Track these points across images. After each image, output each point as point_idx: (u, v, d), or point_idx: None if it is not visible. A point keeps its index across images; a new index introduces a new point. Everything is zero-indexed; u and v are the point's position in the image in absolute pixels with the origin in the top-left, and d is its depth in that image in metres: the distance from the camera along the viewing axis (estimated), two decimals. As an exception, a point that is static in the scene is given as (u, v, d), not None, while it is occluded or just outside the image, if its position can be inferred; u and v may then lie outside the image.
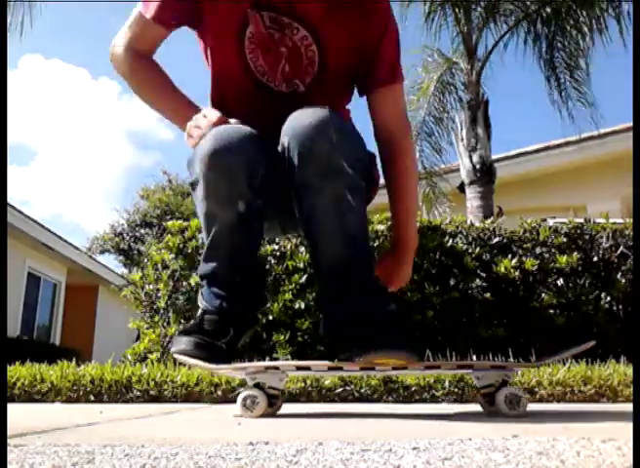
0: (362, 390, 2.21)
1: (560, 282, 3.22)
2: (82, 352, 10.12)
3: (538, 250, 3.32)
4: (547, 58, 6.76)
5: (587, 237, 3.39)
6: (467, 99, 6.79)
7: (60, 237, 11.72)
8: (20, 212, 10.11)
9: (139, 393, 2.26)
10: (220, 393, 2.23)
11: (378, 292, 1.41)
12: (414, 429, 1.11)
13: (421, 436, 0.86)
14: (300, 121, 1.30)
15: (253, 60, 1.50)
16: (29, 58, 40.26)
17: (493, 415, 1.31)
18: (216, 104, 1.56)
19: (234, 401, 1.38)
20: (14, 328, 10.30)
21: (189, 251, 3.31)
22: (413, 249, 1.66)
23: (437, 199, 8.10)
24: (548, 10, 6.55)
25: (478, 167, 6.42)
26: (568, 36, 6.62)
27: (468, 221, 3.54)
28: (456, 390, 2.17)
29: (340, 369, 1.38)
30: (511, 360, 2.60)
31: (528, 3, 6.68)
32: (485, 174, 6.41)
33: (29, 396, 2.29)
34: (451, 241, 3.28)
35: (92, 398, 2.26)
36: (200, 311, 1.44)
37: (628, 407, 1.73)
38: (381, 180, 1.61)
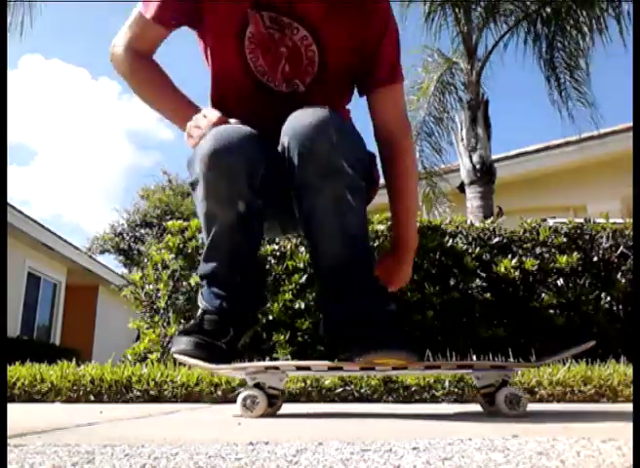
0: (362, 390, 2.21)
1: (560, 282, 3.22)
2: (82, 352, 10.13)
3: (538, 250, 3.32)
4: (547, 58, 6.77)
5: (587, 237, 3.39)
6: (467, 99, 6.80)
7: (60, 237, 11.72)
8: (20, 212, 10.12)
9: (139, 393, 2.26)
10: (219, 393, 2.23)
11: (378, 292, 1.41)
12: (414, 429, 1.11)
13: (421, 436, 0.86)
14: (299, 121, 1.30)
15: (253, 60, 1.50)
16: (29, 58, 40.31)
17: (493, 415, 1.31)
18: (216, 104, 1.56)
19: (234, 401, 1.38)
20: (14, 328, 10.30)
21: (189, 251, 3.31)
22: (413, 249, 1.66)
23: (437, 199, 8.10)
24: (548, 10, 6.56)
25: (478, 167, 6.43)
26: (568, 36, 6.62)
27: (468, 221, 3.54)
28: (456, 390, 2.17)
29: (341, 369, 1.38)
30: (511, 360, 2.60)
31: (528, 3, 6.68)
32: (485, 174, 6.41)
33: (29, 396, 2.29)
34: (451, 241, 3.28)
35: (92, 398, 2.26)
36: (200, 311, 1.44)
37: (628, 407, 1.73)
38: (381, 180, 1.61)
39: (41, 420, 1.37)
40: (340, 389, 2.21)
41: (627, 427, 0.86)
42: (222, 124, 1.35)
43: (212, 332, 1.38)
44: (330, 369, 1.37)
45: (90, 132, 39.80)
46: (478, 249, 3.26)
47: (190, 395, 2.24)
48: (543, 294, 3.17)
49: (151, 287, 3.36)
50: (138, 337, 3.49)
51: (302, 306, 3.03)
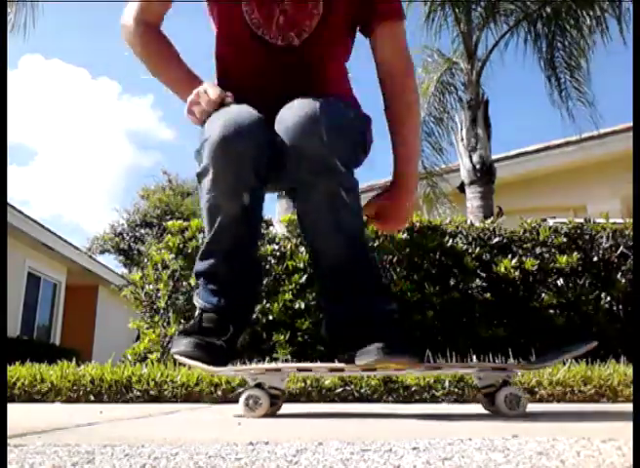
0: (362, 390, 2.21)
1: (560, 282, 3.22)
2: (82, 352, 10.13)
3: (538, 250, 3.32)
4: (548, 58, 6.77)
5: (587, 237, 3.39)
6: (467, 99, 6.80)
7: (60, 237, 11.72)
8: (20, 212, 10.12)
9: (139, 393, 2.26)
10: (219, 393, 2.23)
11: (378, 292, 1.41)
12: (414, 429, 1.11)
13: (421, 436, 0.86)
14: (292, 117, 1.30)
15: (248, 13, 1.50)
16: (29, 58, 40.27)
17: (493, 415, 1.31)
18: (219, 60, 1.58)
19: (234, 401, 1.38)
20: (14, 328, 10.30)
21: (189, 251, 3.31)
22: (411, 187, 1.60)
23: (438, 199, 8.11)
24: (548, 10, 6.56)
25: (478, 167, 6.43)
26: (568, 36, 6.62)
27: (468, 221, 3.54)
28: (456, 390, 2.17)
29: (342, 370, 1.38)
30: (511, 360, 2.60)
31: (528, 3, 6.68)
32: (485, 174, 6.41)
33: (29, 396, 2.28)
34: (451, 241, 3.28)
35: (92, 398, 2.26)
36: (198, 311, 1.44)
37: (628, 407, 1.73)
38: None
39: (41, 420, 1.37)
40: (340, 389, 2.21)
41: (627, 427, 0.86)
42: (222, 100, 1.36)
43: (211, 331, 1.38)
44: (331, 370, 1.37)
45: (90, 132, 39.82)
46: (478, 249, 3.26)
47: (190, 395, 2.24)
48: (543, 294, 3.17)
49: (151, 287, 3.36)
50: (138, 337, 3.49)
51: (302, 306, 3.03)
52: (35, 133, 41.77)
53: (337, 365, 1.34)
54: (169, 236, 3.40)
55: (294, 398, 2.18)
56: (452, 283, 3.18)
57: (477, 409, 1.54)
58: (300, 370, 1.42)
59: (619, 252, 3.32)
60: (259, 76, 1.51)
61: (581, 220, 3.48)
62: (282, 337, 2.95)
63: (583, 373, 2.22)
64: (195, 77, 1.50)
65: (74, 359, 2.77)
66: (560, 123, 6.89)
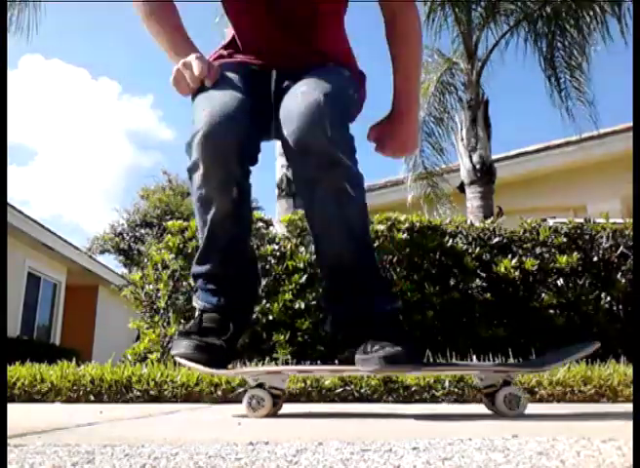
0: (362, 390, 2.21)
1: (560, 282, 3.22)
2: (82, 352, 10.12)
3: (538, 250, 3.32)
4: (548, 58, 6.77)
5: (587, 237, 3.39)
6: (467, 99, 6.80)
7: (60, 237, 11.72)
8: (20, 212, 10.11)
9: (139, 393, 2.26)
10: (219, 393, 2.23)
11: (380, 291, 1.41)
12: (414, 429, 1.11)
13: (421, 436, 0.86)
14: (297, 110, 1.31)
15: None
16: (29, 58, 40.23)
17: (493, 415, 1.31)
18: (227, 14, 1.60)
19: (234, 401, 1.39)
20: (14, 328, 10.30)
21: (189, 251, 3.31)
22: (411, 114, 1.59)
23: (439, 200, 8.11)
24: (548, 9, 6.56)
25: (478, 167, 6.43)
26: (568, 36, 6.62)
27: (468, 221, 3.54)
28: (456, 390, 2.17)
29: (342, 371, 1.38)
30: (511, 360, 2.60)
31: (528, 3, 6.68)
32: (485, 174, 6.41)
33: (29, 396, 2.28)
34: (451, 241, 3.28)
35: (92, 398, 2.26)
36: (198, 312, 1.45)
37: (628, 407, 1.73)
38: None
39: (41, 420, 1.37)
40: (340, 389, 2.21)
41: (627, 427, 0.86)
42: (205, 73, 1.39)
43: (212, 330, 1.38)
44: (331, 371, 1.38)
45: (90, 132, 39.81)
46: (478, 249, 3.26)
47: (190, 395, 2.24)
48: (543, 294, 3.17)
49: (151, 287, 3.36)
50: (138, 337, 3.49)
51: (302, 306, 3.03)
52: (35, 133, 41.79)
53: (337, 367, 1.35)
54: (169, 236, 3.40)
55: (294, 398, 2.18)
56: (452, 283, 3.18)
57: (477, 408, 1.54)
58: (300, 372, 1.42)
59: (619, 252, 3.32)
60: (258, 30, 1.52)
61: (581, 220, 3.48)
62: (282, 337, 2.95)
63: (583, 373, 2.22)
64: (191, 46, 1.50)
65: (74, 359, 2.77)
66: (560, 123, 6.89)
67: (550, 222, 3.53)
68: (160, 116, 44.27)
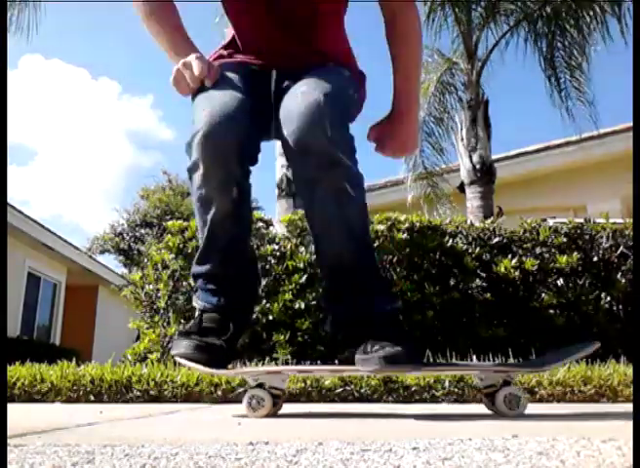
0: (362, 390, 2.21)
1: (560, 282, 3.22)
2: (82, 352, 10.12)
3: (538, 250, 3.32)
4: (548, 58, 6.77)
5: (587, 237, 3.39)
6: (467, 99, 6.80)
7: (60, 237, 11.72)
8: (20, 212, 10.11)
9: (139, 393, 2.26)
10: (219, 393, 2.23)
11: (379, 291, 1.41)
12: (414, 429, 1.11)
13: (421, 436, 0.86)
14: (297, 110, 1.31)
15: None
16: (29, 57, 40.22)
17: (493, 415, 1.31)
18: (227, 14, 1.61)
19: (234, 401, 1.39)
20: (14, 328, 10.30)
21: (189, 251, 3.31)
22: (411, 114, 1.59)
23: (439, 200, 8.11)
24: (548, 9, 6.56)
25: (478, 167, 6.43)
26: (568, 36, 6.62)
27: (468, 221, 3.54)
28: (456, 390, 2.17)
29: (342, 371, 1.38)
30: (511, 360, 2.60)
31: (528, 3, 6.68)
32: (485, 174, 6.41)
33: (29, 396, 2.28)
34: (451, 241, 3.28)
35: (92, 398, 2.26)
36: (198, 312, 1.45)
37: (628, 407, 1.73)
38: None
39: (41, 420, 1.37)
40: (340, 389, 2.21)
41: (627, 427, 0.86)
42: (205, 73, 1.39)
43: (212, 330, 1.39)
44: (331, 371, 1.38)
45: (90, 132, 39.81)
46: (478, 249, 3.26)
47: (190, 395, 2.24)
48: (543, 294, 3.17)
49: (151, 287, 3.36)
50: (138, 337, 3.49)
51: (302, 306, 3.03)
52: (35, 133, 41.78)
53: (337, 367, 1.35)
54: (169, 236, 3.40)
55: (294, 398, 2.18)
56: (452, 283, 3.18)
57: (477, 408, 1.54)
58: (300, 372, 1.42)
59: (619, 252, 3.32)
60: (258, 30, 1.53)
61: (581, 220, 3.48)
62: (282, 337, 2.95)
63: (583, 373, 2.22)
64: (191, 46, 1.50)
65: (74, 359, 2.77)
66: (560, 123, 6.89)
67: (550, 222, 3.53)
68: (160, 116, 44.28)
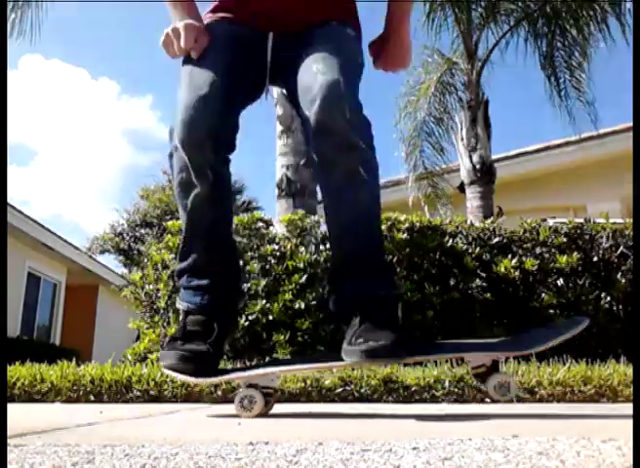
0: (362, 390, 2.20)
1: (560, 282, 3.22)
2: (82, 352, 10.12)
3: (538, 250, 3.32)
4: (548, 58, 6.77)
5: (587, 237, 3.38)
6: (467, 100, 6.79)
7: (60, 237, 11.72)
8: (20, 212, 10.11)
9: (139, 393, 2.26)
10: (219, 393, 2.22)
11: (384, 275, 1.43)
12: (414, 429, 1.11)
13: (421, 436, 0.86)
14: (317, 94, 1.32)
15: None
16: (29, 58, 40.21)
17: (493, 415, 1.31)
18: None
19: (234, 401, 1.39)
20: (14, 328, 10.30)
21: (189, 251, 3.31)
22: (402, 30, 1.65)
23: (439, 200, 8.11)
24: (548, 9, 6.55)
25: (478, 167, 6.42)
26: (568, 35, 6.62)
27: (468, 221, 3.54)
28: (456, 390, 2.17)
29: (331, 368, 1.40)
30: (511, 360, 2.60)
31: (528, 3, 6.68)
32: (485, 174, 6.41)
33: (29, 396, 2.28)
34: (451, 241, 3.28)
35: (92, 398, 2.26)
36: (182, 314, 1.46)
37: (628, 407, 1.73)
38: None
39: (41, 420, 1.37)
40: (340, 389, 2.21)
41: (627, 427, 0.86)
42: (191, 45, 1.44)
43: (197, 334, 1.40)
44: (317, 368, 1.40)
45: (89, 132, 39.80)
46: (478, 249, 3.26)
47: (190, 395, 2.24)
48: (543, 294, 3.16)
49: (151, 287, 3.36)
50: (138, 337, 3.49)
51: (302, 306, 3.03)
52: (35, 133, 41.77)
53: (319, 365, 1.37)
54: (169, 236, 3.40)
55: (294, 398, 2.18)
56: (452, 283, 3.18)
57: (477, 408, 1.54)
58: (283, 372, 1.44)
59: (619, 252, 3.32)
60: None
61: (581, 220, 3.48)
62: (282, 337, 2.95)
63: (583, 373, 2.22)
64: (190, 6, 1.55)
65: (74, 359, 2.77)
66: (560, 123, 6.89)
67: (550, 222, 3.53)
68: (159, 116, 44.20)
